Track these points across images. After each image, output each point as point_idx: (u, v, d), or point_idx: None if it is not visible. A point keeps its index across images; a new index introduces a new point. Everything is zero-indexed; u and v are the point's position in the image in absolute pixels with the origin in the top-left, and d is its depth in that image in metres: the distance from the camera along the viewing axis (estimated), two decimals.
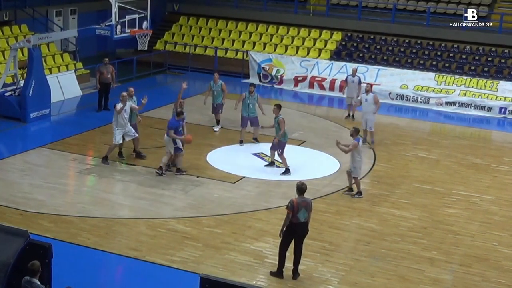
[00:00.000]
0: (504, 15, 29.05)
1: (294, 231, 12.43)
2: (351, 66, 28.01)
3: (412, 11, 31.10)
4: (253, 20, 32.27)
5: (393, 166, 19.23)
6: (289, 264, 12.70)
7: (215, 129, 21.81)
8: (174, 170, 17.65)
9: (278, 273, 12.64)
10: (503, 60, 28.28)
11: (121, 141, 18.20)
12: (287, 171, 17.99)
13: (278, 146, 18.13)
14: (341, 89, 25.38)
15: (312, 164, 19.29)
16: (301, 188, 12.48)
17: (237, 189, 17.02)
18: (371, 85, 21.06)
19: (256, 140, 20.57)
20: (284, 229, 12.44)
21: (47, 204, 15.50)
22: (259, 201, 16.31)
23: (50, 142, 20.10)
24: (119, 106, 17.83)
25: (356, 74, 24.00)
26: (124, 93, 18.24)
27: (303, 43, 30.95)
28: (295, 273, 12.67)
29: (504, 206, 16.81)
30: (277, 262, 12.69)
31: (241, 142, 20.39)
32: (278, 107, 18.52)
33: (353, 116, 23.52)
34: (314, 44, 30.81)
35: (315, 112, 24.88)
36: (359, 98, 21.69)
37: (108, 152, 18.18)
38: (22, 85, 22.05)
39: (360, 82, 23.74)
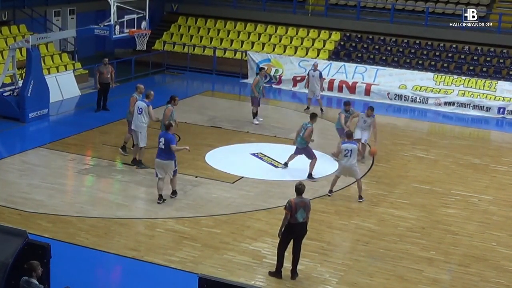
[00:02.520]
0: (503, 15, 29.05)
1: (293, 231, 12.43)
2: (349, 66, 28.13)
3: (410, 11, 31.11)
4: (252, 20, 32.27)
5: (391, 166, 19.24)
6: (287, 264, 12.70)
7: (255, 122, 22.67)
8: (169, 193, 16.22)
9: (276, 273, 12.64)
10: (501, 60, 28.30)
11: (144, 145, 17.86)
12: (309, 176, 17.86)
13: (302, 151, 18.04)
14: (306, 84, 25.18)
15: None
16: (299, 188, 12.49)
17: (236, 189, 17.01)
18: (372, 108, 19.40)
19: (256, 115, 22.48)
20: (283, 229, 12.45)
21: (46, 204, 15.49)
22: (258, 201, 16.31)
23: (48, 142, 20.08)
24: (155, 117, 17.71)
25: (317, 68, 24.76)
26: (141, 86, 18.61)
27: (301, 43, 30.95)
28: (294, 273, 12.67)
29: (503, 206, 16.82)
30: (275, 262, 12.69)
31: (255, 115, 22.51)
32: (314, 116, 18.36)
33: (321, 109, 24.19)
34: (312, 44, 30.82)
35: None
36: (356, 118, 19.79)
37: (141, 156, 17.87)
38: (20, 85, 22.04)
39: (321, 76, 24.54)
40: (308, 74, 24.85)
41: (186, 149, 16.19)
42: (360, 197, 16.53)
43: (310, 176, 17.77)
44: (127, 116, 18.60)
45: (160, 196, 15.76)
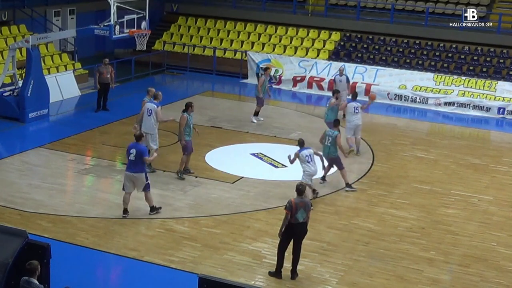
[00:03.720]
0: (503, 15, 29.06)
1: (293, 231, 12.44)
2: (349, 66, 28.09)
3: (410, 11, 31.11)
4: (252, 20, 32.26)
5: (391, 167, 19.23)
6: (287, 264, 12.70)
7: (254, 121, 22.82)
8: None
9: (276, 273, 12.64)
10: (501, 61, 28.29)
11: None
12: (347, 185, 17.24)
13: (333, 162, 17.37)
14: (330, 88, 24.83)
15: None
16: (299, 188, 12.51)
17: (236, 189, 17.01)
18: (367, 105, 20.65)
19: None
20: (283, 229, 12.45)
21: (46, 204, 15.49)
22: (258, 201, 16.30)
23: (48, 142, 20.08)
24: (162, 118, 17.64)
25: (344, 73, 23.83)
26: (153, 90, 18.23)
27: (301, 43, 30.94)
28: (294, 273, 12.67)
29: (503, 206, 16.82)
30: (275, 262, 12.69)
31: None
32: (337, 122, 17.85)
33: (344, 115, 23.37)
34: (312, 44, 30.81)
35: (313, 112, 24.87)
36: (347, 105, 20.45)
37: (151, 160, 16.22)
38: (20, 85, 22.03)
39: (348, 81, 23.67)
40: (334, 80, 23.96)
41: (171, 120, 17.00)
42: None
43: (349, 185, 17.11)
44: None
45: (125, 210, 14.97)
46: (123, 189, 15.00)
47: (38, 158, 18.80)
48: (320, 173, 17.07)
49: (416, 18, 30.60)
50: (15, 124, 21.48)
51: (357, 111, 19.56)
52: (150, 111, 17.51)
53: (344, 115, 21.08)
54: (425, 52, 29.38)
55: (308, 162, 16.08)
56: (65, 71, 26.15)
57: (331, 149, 17.10)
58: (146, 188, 14.86)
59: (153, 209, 15.16)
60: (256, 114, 22.73)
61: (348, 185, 17.13)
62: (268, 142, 20.88)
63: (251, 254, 13.56)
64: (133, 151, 14.71)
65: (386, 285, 12.71)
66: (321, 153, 16.98)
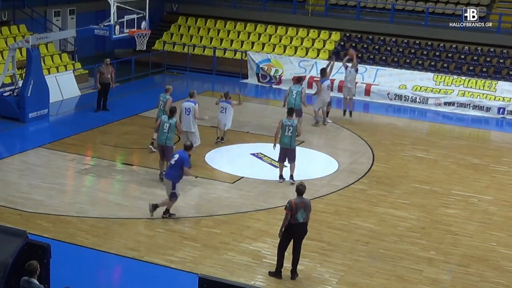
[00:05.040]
0: (503, 15, 29.06)
1: (293, 231, 12.43)
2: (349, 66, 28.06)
3: (410, 11, 31.11)
4: (252, 20, 32.27)
5: (391, 167, 19.23)
6: (287, 264, 12.70)
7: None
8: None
9: (276, 273, 12.64)
10: (501, 61, 28.29)
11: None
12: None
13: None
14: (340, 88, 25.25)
15: (311, 164, 19.29)
16: (299, 189, 12.49)
17: (236, 189, 17.01)
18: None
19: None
20: (283, 229, 12.45)
21: (46, 204, 15.49)
22: (258, 201, 16.30)
23: (48, 142, 20.08)
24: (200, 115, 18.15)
25: (357, 66, 24.17)
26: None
27: (301, 43, 30.95)
28: (294, 273, 12.67)
29: (503, 206, 16.82)
30: (275, 262, 12.69)
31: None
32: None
33: (350, 112, 23.82)
34: (312, 44, 30.82)
35: (313, 112, 24.85)
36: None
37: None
38: (20, 85, 22.03)
39: (356, 71, 24.15)
40: (345, 69, 23.86)
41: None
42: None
43: (292, 177, 17.22)
44: (158, 114, 18.58)
45: (166, 211, 15.03)
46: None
47: (38, 158, 18.80)
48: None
49: (416, 18, 30.60)
50: (15, 124, 21.48)
51: (328, 89, 22.45)
52: (189, 110, 17.96)
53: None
54: (425, 52, 29.38)
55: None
56: (65, 71, 26.15)
57: (292, 138, 17.20)
58: (172, 196, 14.78)
59: (167, 213, 14.97)
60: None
61: (291, 177, 17.21)
62: (268, 142, 20.83)
63: (251, 254, 13.56)
64: (176, 156, 14.78)
65: (386, 285, 12.71)
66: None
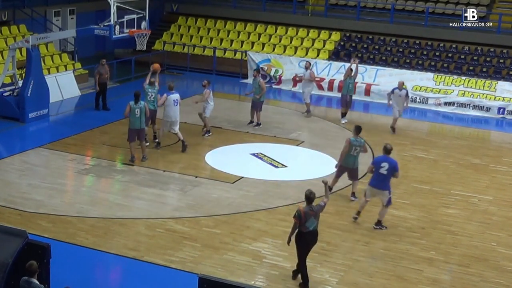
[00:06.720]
0: (503, 15, 29.06)
1: (305, 238, 12.23)
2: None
3: (410, 11, 31.11)
4: (252, 20, 32.28)
5: None
6: (288, 264, 12.69)
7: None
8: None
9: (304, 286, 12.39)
10: (501, 61, 28.30)
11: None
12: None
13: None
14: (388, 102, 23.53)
15: (311, 164, 19.28)
16: (309, 197, 12.28)
17: (236, 189, 17.01)
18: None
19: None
20: (295, 239, 12.21)
21: (46, 204, 15.49)
22: (258, 201, 16.30)
23: (48, 142, 20.08)
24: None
25: (403, 87, 22.72)
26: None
27: (301, 43, 30.95)
28: (296, 274, 12.65)
29: (503, 206, 16.82)
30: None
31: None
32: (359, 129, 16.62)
33: (393, 129, 22.70)
34: (312, 44, 30.82)
35: (313, 112, 24.83)
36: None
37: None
38: (20, 85, 22.04)
39: (407, 95, 22.72)
40: (392, 92, 22.70)
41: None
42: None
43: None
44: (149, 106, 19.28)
45: (358, 213, 15.16)
46: (365, 195, 15.17)
47: (38, 158, 18.80)
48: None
49: (416, 18, 30.61)
50: (15, 124, 21.48)
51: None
52: (177, 101, 19.24)
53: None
54: (425, 52, 29.37)
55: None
56: (65, 71, 26.15)
57: (356, 159, 16.44)
58: (388, 202, 14.83)
59: (379, 224, 15.01)
60: (343, 115, 23.39)
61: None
62: (268, 142, 20.88)
63: (251, 254, 13.56)
64: (385, 164, 14.57)
65: (386, 285, 12.71)
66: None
